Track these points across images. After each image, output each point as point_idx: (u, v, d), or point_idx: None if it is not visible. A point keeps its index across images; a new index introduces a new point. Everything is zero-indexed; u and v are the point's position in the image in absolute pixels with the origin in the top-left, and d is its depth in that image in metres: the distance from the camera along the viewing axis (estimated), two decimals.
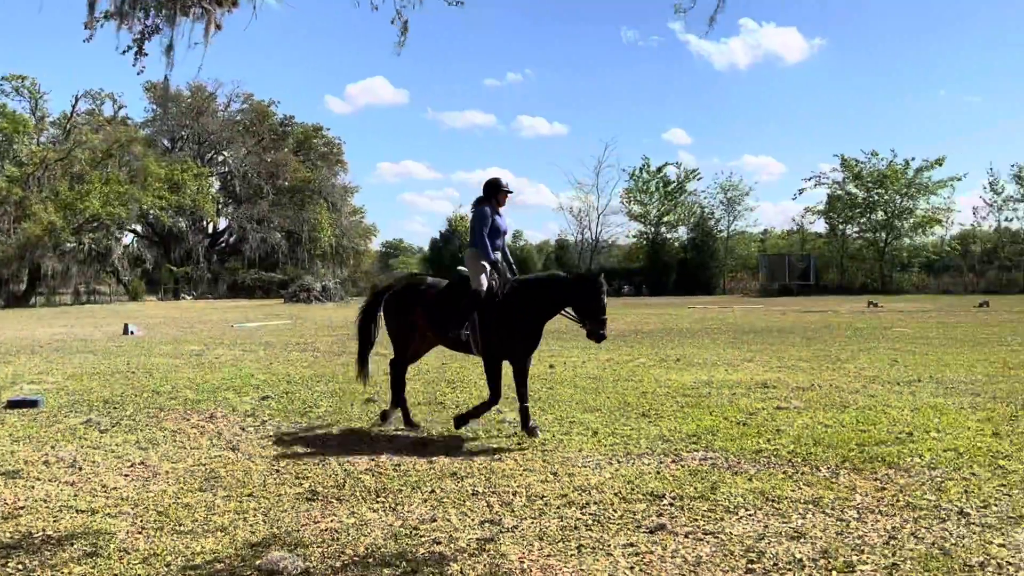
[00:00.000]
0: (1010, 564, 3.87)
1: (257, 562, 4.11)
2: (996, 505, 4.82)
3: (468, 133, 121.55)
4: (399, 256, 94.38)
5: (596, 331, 6.86)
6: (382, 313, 7.90)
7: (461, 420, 7.22)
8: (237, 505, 5.09)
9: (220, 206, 61.27)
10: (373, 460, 6.24)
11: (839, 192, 67.07)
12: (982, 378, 10.35)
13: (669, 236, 68.48)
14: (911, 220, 68.05)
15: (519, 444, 6.75)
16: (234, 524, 4.72)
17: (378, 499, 5.20)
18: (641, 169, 67.52)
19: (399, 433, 7.31)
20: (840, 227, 68.09)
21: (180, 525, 4.69)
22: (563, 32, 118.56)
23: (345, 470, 5.93)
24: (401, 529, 4.62)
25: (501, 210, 7.43)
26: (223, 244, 61.47)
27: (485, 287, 7.21)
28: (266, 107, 63.45)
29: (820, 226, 70.24)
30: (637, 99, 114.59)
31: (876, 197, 66.18)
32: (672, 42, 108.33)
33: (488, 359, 7.24)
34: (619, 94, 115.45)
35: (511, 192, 7.40)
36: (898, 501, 4.95)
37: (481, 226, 7.28)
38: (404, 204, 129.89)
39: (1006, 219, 71.17)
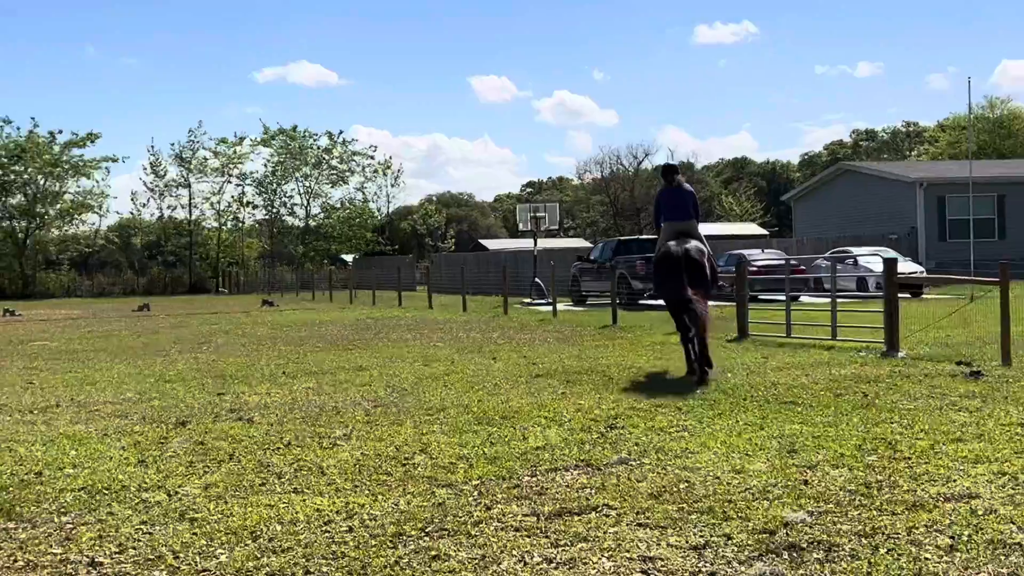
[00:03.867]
0: None
1: None
2: (135, 547, 5.07)
3: None
4: None
5: None
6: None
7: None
8: None
9: None
10: None
11: None
12: (133, 396, 10.95)
13: None
14: (59, 206, 68.86)
15: None
16: None
17: None
18: None
19: None
20: None
21: None
22: None
23: None
24: None
25: None
26: None
27: None
28: None
29: None
30: None
31: (13, 176, 65.23)
32: None
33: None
34: None
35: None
36: (16, 562, 4.89)
37: None
38: None
39: (169, 207, 76.73)
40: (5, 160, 63.66)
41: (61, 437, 8.31)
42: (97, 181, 70.08)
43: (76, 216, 69.60)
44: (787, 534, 4.92)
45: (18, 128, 64.76)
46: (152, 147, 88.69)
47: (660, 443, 7.33)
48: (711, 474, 6.25)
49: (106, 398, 10.85)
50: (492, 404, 9.49)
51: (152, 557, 4.92)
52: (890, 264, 13.64)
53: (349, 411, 9.42)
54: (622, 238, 37.19)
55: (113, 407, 10.11)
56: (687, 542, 4.87)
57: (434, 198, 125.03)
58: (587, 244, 69.33)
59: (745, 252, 33.47)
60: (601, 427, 8.13)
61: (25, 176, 64.70)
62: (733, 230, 64.82)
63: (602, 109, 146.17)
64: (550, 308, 25.93)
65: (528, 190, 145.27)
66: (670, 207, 11.93)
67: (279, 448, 7.65)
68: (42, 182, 65.57)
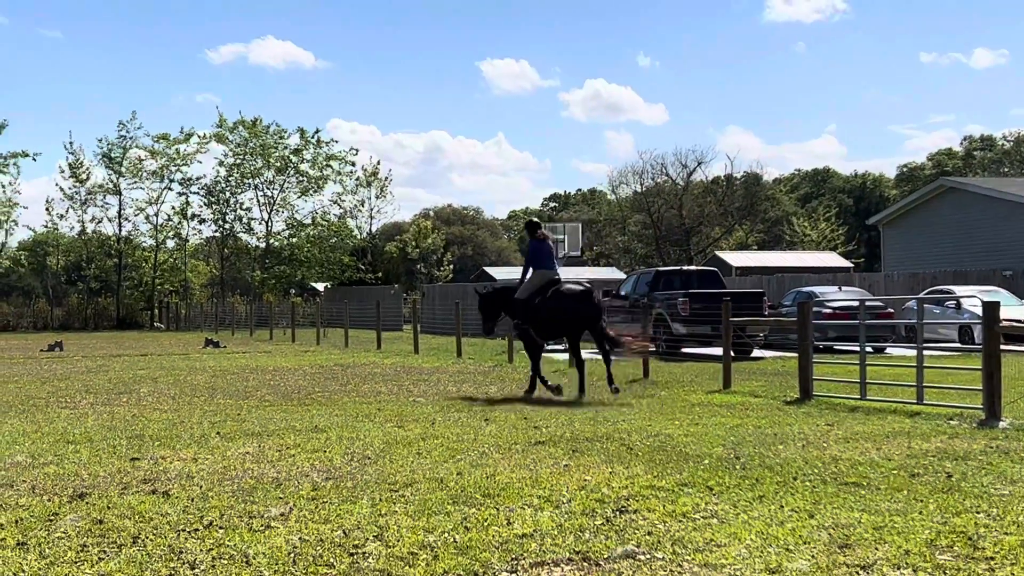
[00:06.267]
0: None
1: None
2: None
3: None
4: None
5: None
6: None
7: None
8: None
9: None
10: None
11: None
12: (24, 460, 10.99)
13: None
14: None
15: None
16: None
17: None
18: None
19: None
20: None
21: None
22: None
23: None
24: None
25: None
26: None
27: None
28: None
29: None
30: None
31: None
32: None
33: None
34: None
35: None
36: None
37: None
38: None
39: (93, 219, 76.51)
40: None
41: None
42: (3, 186, 70.49)
43: None
44: None
45: None
46: (72, 143, 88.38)
47: (679, 532, 7.33)
48: (738, 574, 6.25)
49: None
50: (474, 478, 9.50)
51: None
52: (991, 308, 13.58)
53: (292, 484, 9.43)
54: (661, 268, 36.97)
55: None
56: None
57: (431, 213, 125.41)
58: (622, 276, 69.28)
59: (817, 289, 33.41)
60: (608, 510, 8.13)
61: None
62: (806, 260, 64.62)
63: (648, 104, 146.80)
64: (567, 356, 25.91)
65: (552, 205, 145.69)
66: (542, 257, 18.44)
67: (197, 529, 7.67)
68: None
